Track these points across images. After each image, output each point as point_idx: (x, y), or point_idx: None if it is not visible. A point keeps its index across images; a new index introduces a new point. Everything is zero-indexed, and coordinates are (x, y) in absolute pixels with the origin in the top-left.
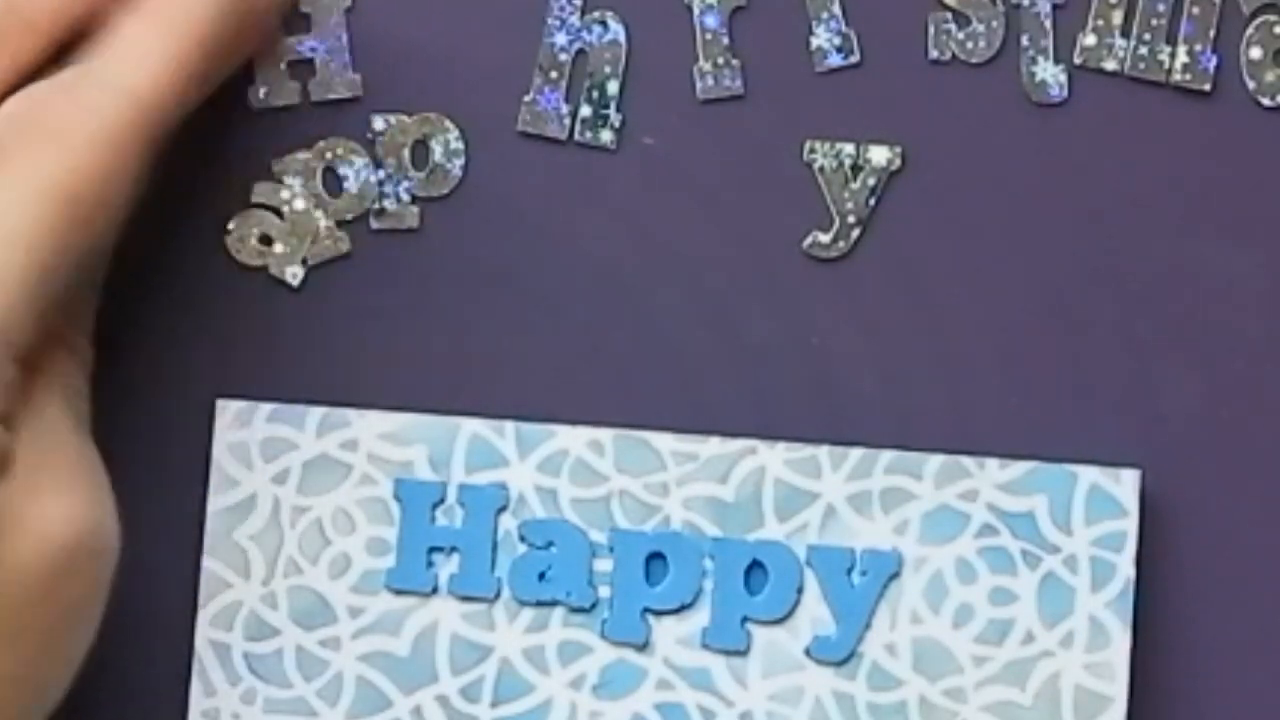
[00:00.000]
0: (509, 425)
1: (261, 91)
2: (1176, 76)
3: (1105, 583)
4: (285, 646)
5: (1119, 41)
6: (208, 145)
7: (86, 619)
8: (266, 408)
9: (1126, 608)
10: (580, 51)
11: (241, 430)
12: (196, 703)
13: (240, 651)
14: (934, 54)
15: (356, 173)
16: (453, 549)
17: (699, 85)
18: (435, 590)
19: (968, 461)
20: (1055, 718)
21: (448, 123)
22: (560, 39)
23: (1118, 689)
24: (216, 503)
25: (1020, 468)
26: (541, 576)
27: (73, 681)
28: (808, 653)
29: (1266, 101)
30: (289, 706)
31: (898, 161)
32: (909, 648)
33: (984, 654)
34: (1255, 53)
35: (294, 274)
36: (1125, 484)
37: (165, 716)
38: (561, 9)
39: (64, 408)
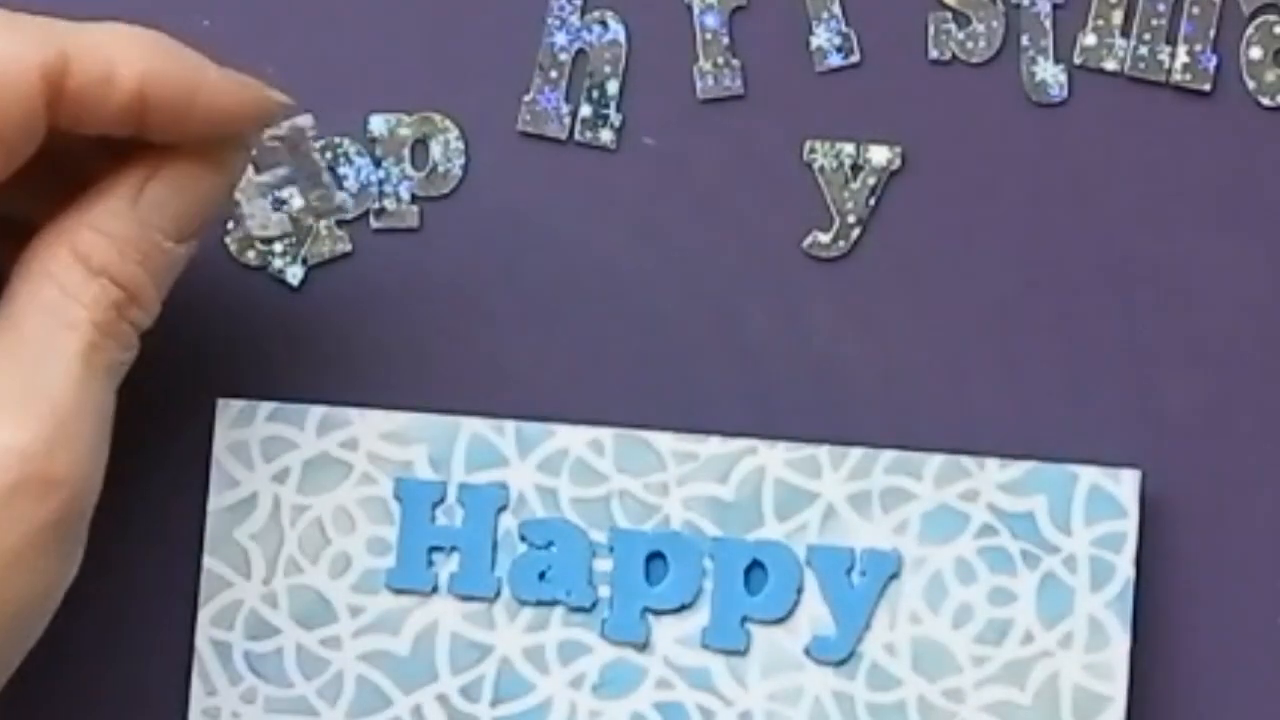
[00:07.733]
0: (509, 425)
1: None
2: (1176, 76)
3: (1105, 583)
4: (286, 645)
5: (1119, 41)
6: None
7: (31, 562)
8: (267, 407)
9: (1126, 608)
10: (580, 51)
11: (242, 429)
12: (197, 701)
13: (241, 650)
14: (934, 54)
15: (356, 173)
16: (453, 548)
17: (699, 85)
18: (435, 590)
19: (968, 461)
20: (1054, 718)
21: (448, 123)
22: (560, 39)
23: (1117, 689)
24: (217, 502)
25: (1020, 468)
26: (542, 576)
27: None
28: (807, 652)
29: (1266, 101)
30: (289, 705)
31: (898, 161)
32: (908, 648)
33: (983, 654)
34: (1255, 53)
35: (294, 274)
36: (1125, 484)
37: (166, 715)
38: (561, 9)
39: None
